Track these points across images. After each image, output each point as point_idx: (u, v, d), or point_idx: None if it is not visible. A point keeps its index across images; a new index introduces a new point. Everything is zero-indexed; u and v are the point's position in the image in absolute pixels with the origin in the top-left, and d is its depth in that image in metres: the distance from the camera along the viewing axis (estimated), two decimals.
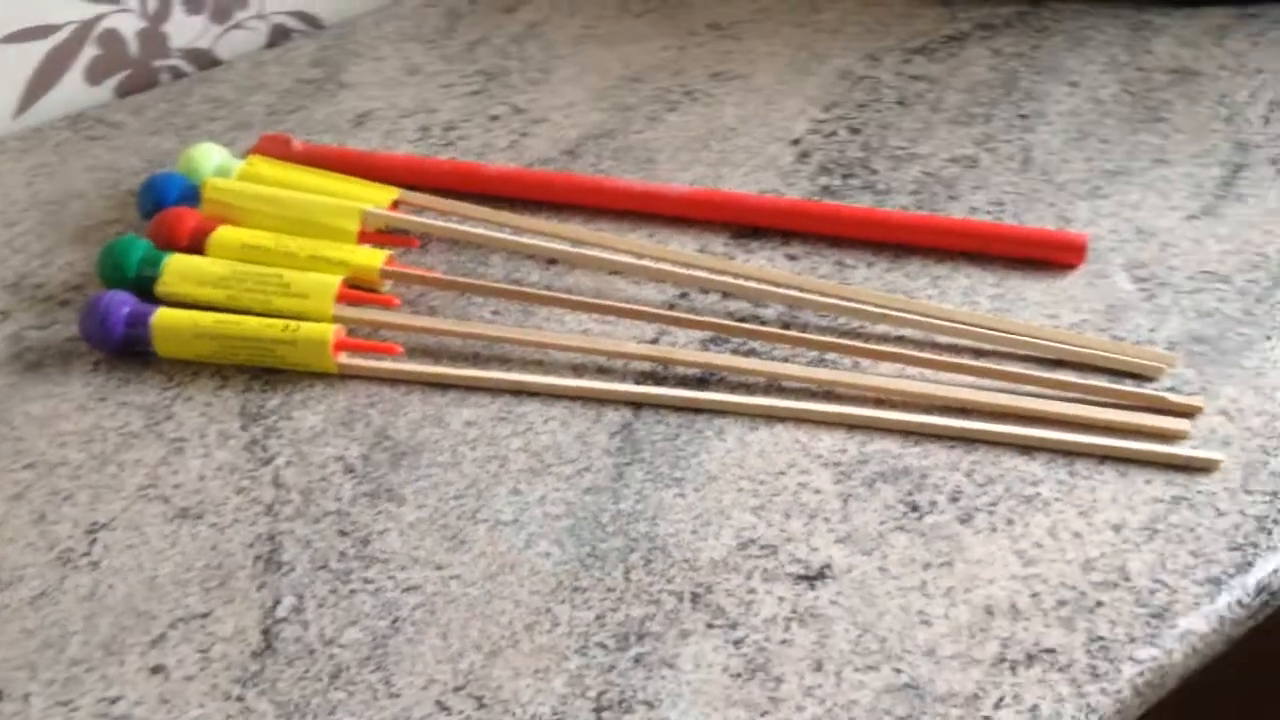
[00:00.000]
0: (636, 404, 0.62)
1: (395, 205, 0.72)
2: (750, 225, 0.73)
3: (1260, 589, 0.54)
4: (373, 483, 0.59)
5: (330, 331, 0.63)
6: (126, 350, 0.65)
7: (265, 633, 0.53)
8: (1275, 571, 0.54)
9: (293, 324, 0.63)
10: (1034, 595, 0.53)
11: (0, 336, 0.68)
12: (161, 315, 0.64)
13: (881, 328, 0.66)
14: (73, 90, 0.86)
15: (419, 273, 0.68)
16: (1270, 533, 0.55)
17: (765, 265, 0.70)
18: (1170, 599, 0.53)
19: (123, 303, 0.64)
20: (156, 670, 0.52)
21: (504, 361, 0.65)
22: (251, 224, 0.69)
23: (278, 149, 0.76)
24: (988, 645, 0.51)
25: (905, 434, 0.60)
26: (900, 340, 0.65)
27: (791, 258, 0.70)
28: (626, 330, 0.66)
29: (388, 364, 0.64)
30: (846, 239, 0.71)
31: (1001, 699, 0.49)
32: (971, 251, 0.70)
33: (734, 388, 0.63)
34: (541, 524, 0.57)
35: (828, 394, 0.62)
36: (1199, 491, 0.57)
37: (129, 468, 0.60)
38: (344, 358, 0.64)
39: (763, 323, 0.66)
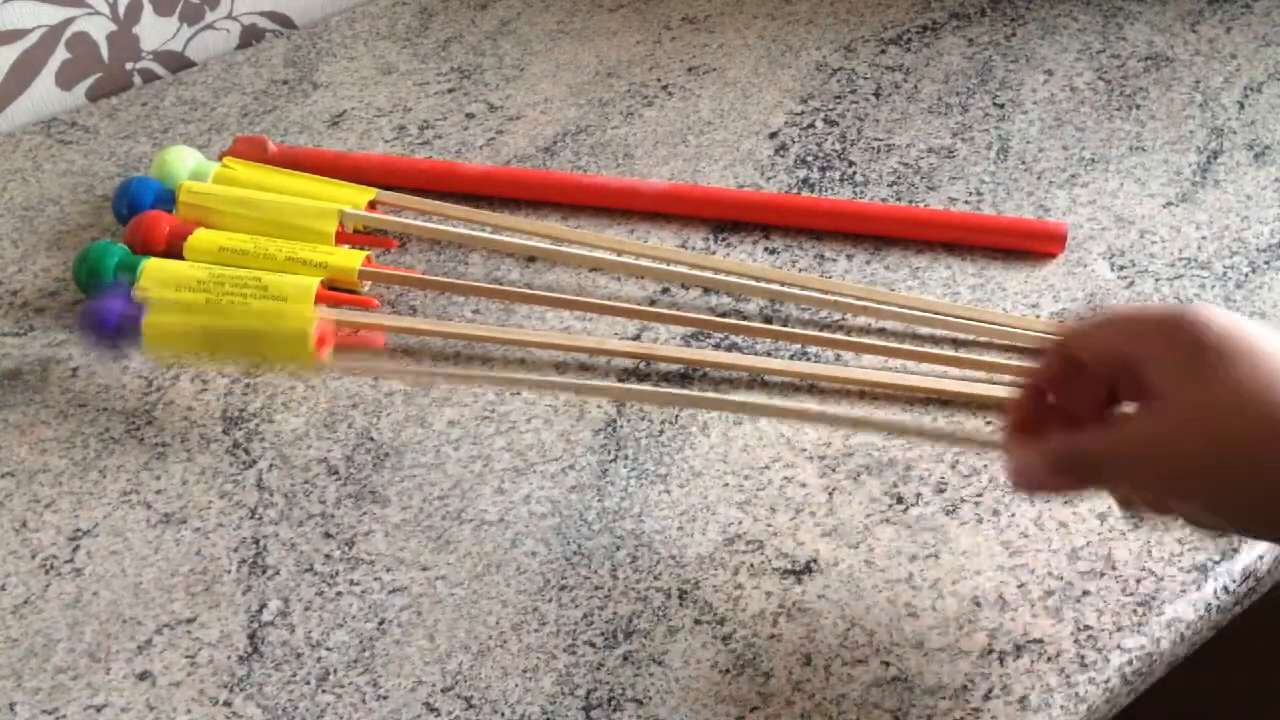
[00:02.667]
0: (620, 400, 0.62)
1: (372, 205, 0.71)
2: (729, 219, 0.72)
3: (1246, 575, 0.54)
4: (356, 484, 0.59)
5: (312, 322, 0.61)
6: (120, 333, 0.62)
7: (251, 637, 0.53)
8: (1261, 558, 0.54)
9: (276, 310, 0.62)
10: (1021, 586, 0.53)
11: None
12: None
13: (862, 320, 0.66)
14: (44, 95, 0.85)
15: (398, 273, 0.67)
16: None
17: (745, 260, 0.70)
18: (1157, 587, 0.53)
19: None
20: (143, 676, 0.52)
21: (485, 360, 0.64)
22: (228, 227, 0.69)
23: (253, 151, 0.75)
24: (975, 636, 0.51)
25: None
26: (882, 332, 0.65)
27: (771, 251, 0.70)
28: (608, 327, 0.66)
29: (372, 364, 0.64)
30: (826, 232, 0.71)
31: (990, 690, 0.50)
32: (951, 242, 0.70)
33: (717, 383, 0.63)
34: (527, 523, 0.57)
35: (811, 387, 0.62)
36: None
37: (110, 474, 0.60)
38: (327, 355, 0.63)
39: (744, 317, 0.66)
